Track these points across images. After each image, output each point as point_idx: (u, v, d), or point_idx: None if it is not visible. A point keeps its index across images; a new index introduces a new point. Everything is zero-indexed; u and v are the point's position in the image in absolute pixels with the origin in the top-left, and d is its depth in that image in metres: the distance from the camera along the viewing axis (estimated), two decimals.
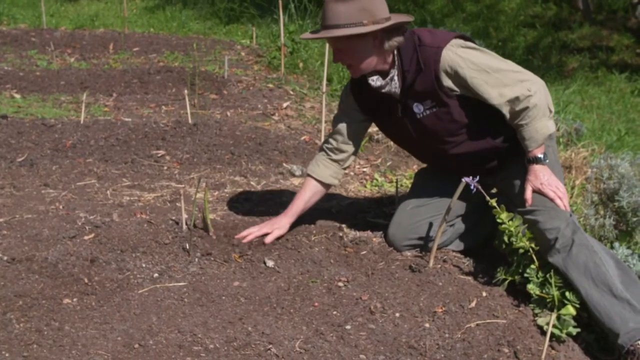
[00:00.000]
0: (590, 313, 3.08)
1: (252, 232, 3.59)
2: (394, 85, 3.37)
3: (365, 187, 4.54)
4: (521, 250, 3.18)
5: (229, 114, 5.74)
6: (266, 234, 3.58)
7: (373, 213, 4.06)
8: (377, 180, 4.63)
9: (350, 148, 3.65)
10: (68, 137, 4.93)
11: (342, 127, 3.62)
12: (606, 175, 3.53)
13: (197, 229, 3.59)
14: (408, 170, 4.80)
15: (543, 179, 3.25)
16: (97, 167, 4.53)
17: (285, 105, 6.04)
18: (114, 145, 4.85)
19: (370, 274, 3.34)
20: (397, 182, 4.13)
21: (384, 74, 3.37)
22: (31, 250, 3.33)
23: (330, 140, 3.67)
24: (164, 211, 3.88)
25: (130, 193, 4.17)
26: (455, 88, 3.27)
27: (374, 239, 3.68)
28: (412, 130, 3.42)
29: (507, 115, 3.23)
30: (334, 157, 3.66)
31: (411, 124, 3.41)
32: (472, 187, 3.16)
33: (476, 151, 3.40)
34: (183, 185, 4.31)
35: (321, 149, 3.71)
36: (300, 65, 7.18)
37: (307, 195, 3.68)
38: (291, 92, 6.45)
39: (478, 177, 3.18)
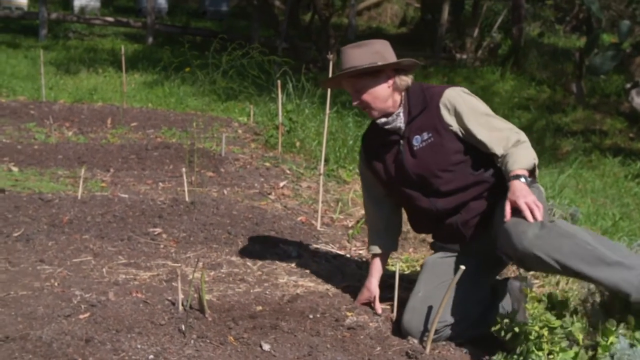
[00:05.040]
0: (598, 286, 3.40)
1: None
2: (400, 120, 3.66)
3: (361, 269, 4.55)
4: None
5: (225, 192, 5.78)
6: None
7: None
8: None
9: (386, 212, 3.94)
10: (65, 213, 4.95)
11: (370, 196, 3.97)
12: None
13: (193, 310, 3.58)
14: (404, 253, 4.83)
15: (520, 193, 3.32)
16: (93, 243, 4.54)
17: (282, 184, 6.09)
18: (110, 222, 4.87)
19: None
20: (397, 266, 4.09)
21: (389, 115, 3.67)
22: (25, 328, 3.31)
23: (366, 211, 4.05)
24: (160, 291, 3.88)
25: (126, 271, 4.17)
26: (451, 123, 3.56)
27: (371, 324, 3.68)
28: (408, 166, 3.64)
29: (499, 150, 3.48)
30: (379, 226, 3.96)
31: (408, 160, 3.65)
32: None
33: (466, 186, 3.59)
34: (179, 264, 4.32)
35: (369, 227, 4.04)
36: (297, 144, 7.27)
37: (377, 265, 3.98)
38: (288, 172, 6.51)
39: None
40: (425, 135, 3.60)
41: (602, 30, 13.35)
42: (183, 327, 3.41)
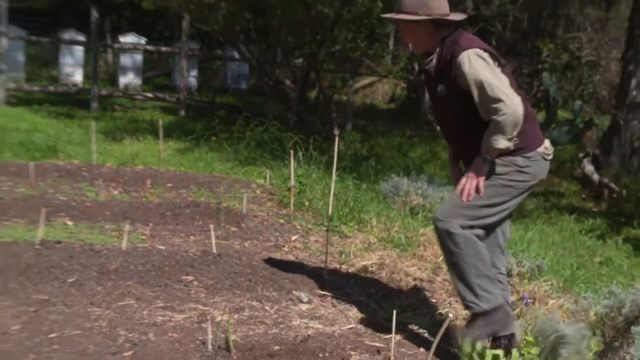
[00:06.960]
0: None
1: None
2: (432, 65, 3.68)
3: (362, 313, 4.48)
4: None
5: (246, 244, 5.74)
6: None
7: (370, 338, 3.99)
8: (372, 307, 4.58)
9: None
10: (112, 262, 4.90)
11: None
12: None
13: (220, 349, 3.53)
14: (398, 300, 4.77)
15: (472, 171, 3.53)
16: (135, 289, 4.49)
17: (293, 238, 6.04)
18: (150, 271, 4.82)
19: None
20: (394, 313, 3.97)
21: (428, 55, 3.72)
22: None
23: None
24: (192, 331, 3.82)
25: (163, 313, 4.12)
26: (460, 81, 3.49)
27: None
28: (435, 102, 3.73)
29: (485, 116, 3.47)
30: None
31: (435, 97, 3.69)
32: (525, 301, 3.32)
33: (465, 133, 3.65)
34: (208, 308, 4.26)
35: None
36: (306, 203, 7.23)
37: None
38: (298, 227, 6.47)
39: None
40: (442, 87, 3.61)
41: (558, 108, 13.41)
42: None
